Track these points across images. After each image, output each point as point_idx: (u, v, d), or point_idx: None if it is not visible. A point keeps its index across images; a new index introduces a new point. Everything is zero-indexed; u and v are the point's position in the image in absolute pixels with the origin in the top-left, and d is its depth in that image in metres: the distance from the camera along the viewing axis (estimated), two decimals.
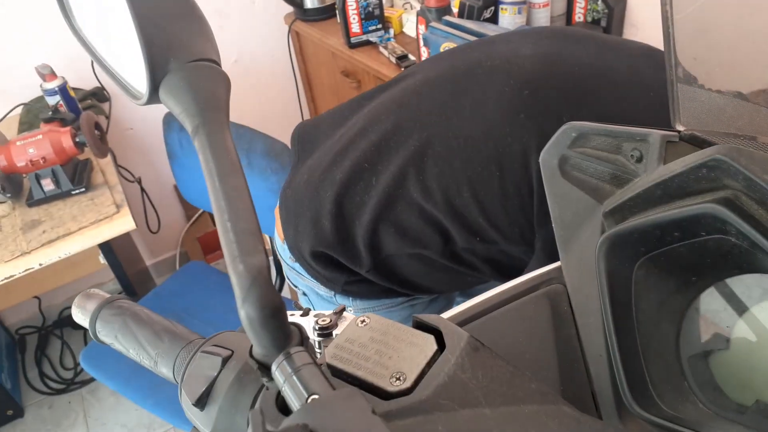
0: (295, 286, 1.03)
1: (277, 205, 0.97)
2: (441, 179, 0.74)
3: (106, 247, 1.57)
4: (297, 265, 0.95)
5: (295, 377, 0.28)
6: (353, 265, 0.86)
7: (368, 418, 0.25)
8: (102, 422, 2.03)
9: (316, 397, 0.27)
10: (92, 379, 2.14)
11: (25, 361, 2.24)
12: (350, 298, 0.93)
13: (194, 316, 1.61)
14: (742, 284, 0.43)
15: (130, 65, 0.37)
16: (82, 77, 1.94)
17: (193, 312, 1.63)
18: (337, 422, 0.25)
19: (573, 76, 0.71)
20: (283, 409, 0.31)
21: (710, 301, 0.44)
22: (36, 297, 2.27)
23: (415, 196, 0.76)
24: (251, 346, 0.31)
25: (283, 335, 0.30)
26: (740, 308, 0.43)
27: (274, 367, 0.29)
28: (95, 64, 0.42)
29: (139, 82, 0.37)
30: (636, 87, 0.70)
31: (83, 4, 0.41)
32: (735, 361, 0.43)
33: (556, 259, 0.50)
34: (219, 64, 0.37)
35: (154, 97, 0.36)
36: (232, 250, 0.30)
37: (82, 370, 2.18)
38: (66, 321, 2.33)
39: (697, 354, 0.45)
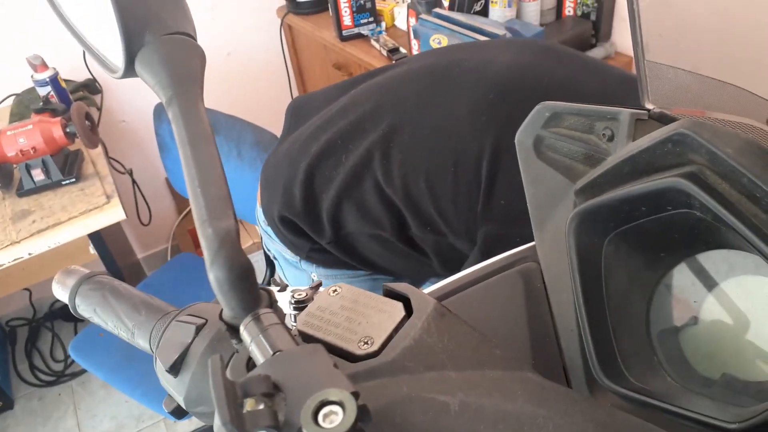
0: (268, 250, 1.07)
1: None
2: (402, 166, 0.77)
3: (97, 238, 1.57)
4: (269, 229, 0.99)
5: (261, 336, 0.29)
6: (315, 235, 0.89)
7: (329, 370, 0.26)
8: (92, 414, 2.03)
9: (280, 352, 0.28)
10: (83, 372, 2.15)
11: (15, 353, 2.24)
12: (314, 266, 0.97)
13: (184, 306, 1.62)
14: (709, 261, 0.44)
15: (107, 39, 0.38)
16: (73, 69, 1.93)
17: (182, 303, 1.63)
18: (299, 374, 0.26)
19: (542, 88, 0.73)
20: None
21: (680, 277, 0.45)
22: (27, 289, 2.27)
23: (378, 178, 0.78)
24: (221, 310, 0.32)
25: (252, 297, 0.31)
26: (709, 284, 0.44)
27: (242, 328, 0.30)
28: (74, 39, 0.42)
29: (116, 55, 0.37)
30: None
31: None
32: (703, 336, 0.44)
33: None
34: (194, 38, 0.37)
35: (130, 69, 0.37)
36: (202, 214, 0.31)
37: (72, 362, 2.18)
38: (57, 313, 2.33)
39: (667, 329, 0.46)
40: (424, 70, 0.83)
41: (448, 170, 0.74)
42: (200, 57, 0.37)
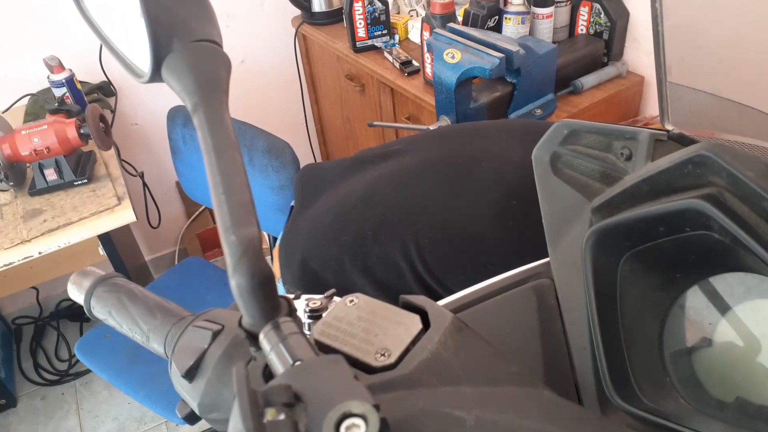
0: None
1: (277, 245, 1.00)
2: (439, 260, 0.80)
3: (106, 239, 1.58)
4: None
5: (281, 345, 0.29)
6: None
7: (350, 382, 0.26)
8: (94, 414, 2.03)
9: (300, 362, 0.28)
10: (86, 372, 2.15)
11: (20, 352, 2.25)
12: None
13: (190, 310, 1.62)
14: (725, 283, 0.44)
15: (135, 45, 0.39)
16: (89, 71, 1.95)
17: (189, 307, 1.64)
18: (320, 385, 0.26)
19: None
20: (269, 379, 0.32)
21: (694, 298, 0.45)
22: (34, 287, 2.28)
23: (418, 269, 0.81)
24: (241, 317, 0.32)
25: (272, 305, 0.31)
26: (724, 307, 0.44)
27: (261, 336, 0.30)
28: (102, 46, 0.43)
29: (143, 61, 0.38)
30: None
31: None
32: (717, 358, 0.44)
33: None
34: (221, 46, 0.38)
35: (156, 75, 0.37)
36: (225, 221, 0.31)
37: (76, 362, 2.18)
38: (63, 312, 2.34)
39: (680, 350, 0.45)
40: (441, 167, 0.87)
41: (484, 267, 0.77)
42: (226, 64, 0.37)
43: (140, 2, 0.35)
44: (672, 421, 0.42)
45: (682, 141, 0.43)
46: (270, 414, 0.24)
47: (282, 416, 0.24)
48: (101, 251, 1.61)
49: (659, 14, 0.37)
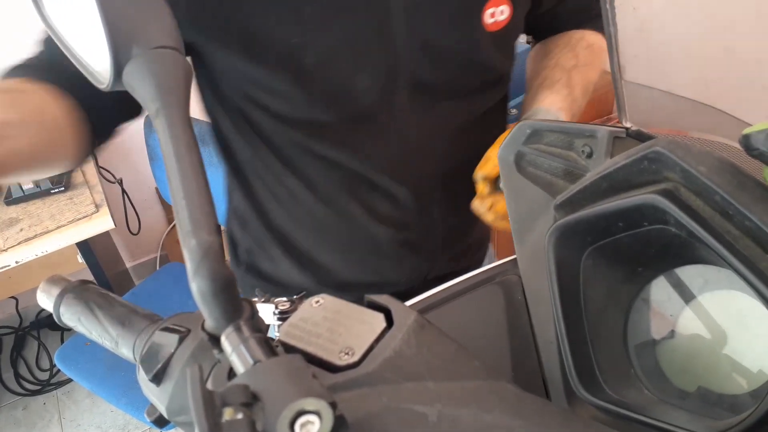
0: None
1: None
2: None
3: (85, 247, 1.57)
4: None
5: (242, 346, 0.30)
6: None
7: (308, 380, 0.27)
8: (77, 424, 2.01)
9: (260, 363, 0.29)
10: (68, 381, 2.13)
11: (0, 362, 2.22)
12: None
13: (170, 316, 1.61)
14: (685, 275, 0.45)
15: (95, 51, 0.39)
16: None
17: (170, 312, 1.63)
18: (278, 384, 0.27)
19: None
20: None
21: (656, 291, 0.46)
22: (13, 297, 2.25)
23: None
24: (204, 320, 0.32)
25: (233, 308, 0.31)
26: (684, 298, 0.45)
27: (223, 338, 0.31)
28: (64, 51, 0.43)
29: (104, 67, 0.38)
30: None
31: None
32: (679, 349, 0.45)
33: None
34: (181, 52, 0.38)
35: (117, 82, 0.37)
36: (185, 225, 0.31)
37: (58, 371, 2.16)
38: (43, 322, 2.31)
39: (644, 342, 0.47)
40: None
41: None
42: (187, 71, 0.38)
43: (99, 10, 0.36)
44: (636, 412, 0.43)
45: (640, 138, 0.44)
46: (228, 414, 0.25)
47: (240, 416, 0.25)
48: (80, 259, 1.60)
49: (610, 15, 0.38)
